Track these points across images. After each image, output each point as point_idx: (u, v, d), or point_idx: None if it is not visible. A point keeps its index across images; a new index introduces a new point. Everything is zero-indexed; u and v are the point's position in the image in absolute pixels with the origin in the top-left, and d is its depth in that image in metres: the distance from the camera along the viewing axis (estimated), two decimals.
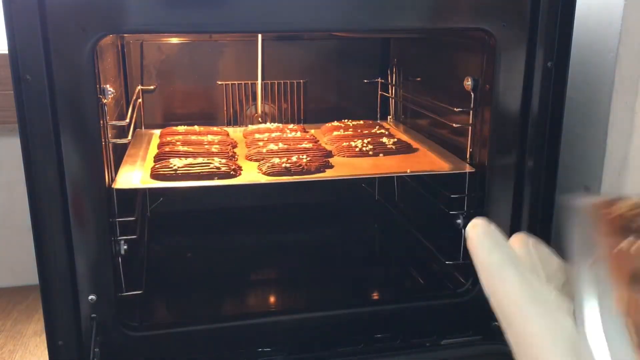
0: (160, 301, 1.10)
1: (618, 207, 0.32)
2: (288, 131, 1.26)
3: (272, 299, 1.13)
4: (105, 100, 0.88)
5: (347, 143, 1.15)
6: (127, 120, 1.05)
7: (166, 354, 0.93)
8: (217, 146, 1.14)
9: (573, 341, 0.28)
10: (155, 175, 0.97)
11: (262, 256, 1.27)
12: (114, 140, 0.94)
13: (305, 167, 1.00)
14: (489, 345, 0.97)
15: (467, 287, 1.01)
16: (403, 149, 1.14)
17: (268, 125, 1.34)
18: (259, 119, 1.42)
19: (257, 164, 1.06)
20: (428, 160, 1.09)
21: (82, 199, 0.83)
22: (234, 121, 1.41)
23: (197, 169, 0.98)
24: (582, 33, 0.99)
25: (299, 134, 1.24)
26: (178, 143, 1.14)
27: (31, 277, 0.90)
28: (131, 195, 1.12)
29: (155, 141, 1.23)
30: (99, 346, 0.86)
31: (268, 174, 1.00)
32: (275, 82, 1.41)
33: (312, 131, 1.31)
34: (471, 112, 1.01)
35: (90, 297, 0.87)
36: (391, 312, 1.01)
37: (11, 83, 0.76)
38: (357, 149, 1.12)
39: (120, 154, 1.07)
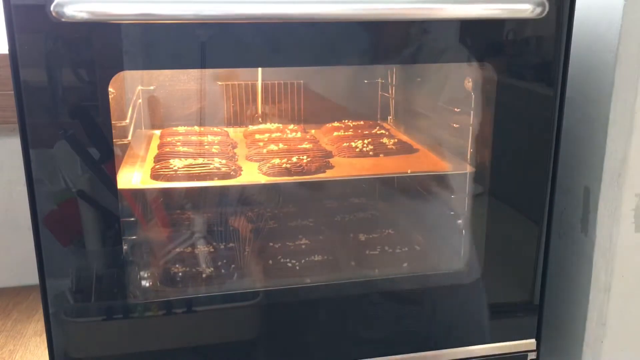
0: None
1: None
2: (288, 132, 1.26)
3: None
4: None
5: (348, 143, 1.15)
6: (127, 120, 1.05)
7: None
8: (217, 147, 1.14)
9: None
10: (155, 176, 0.97)
11: None
12: (114, 141, 0.94)
13: (306, 167, 1.00)
14: None
15: None
16: (403, 149, 1.14)
17: (268, 125, 1.34)
18: (259, 120, 1.42)
19: (257, 164, 1.06)
20: (428, 161, 1.09)
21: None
22: (234, 122, 1.41)
23: (197, 170, 0.98)
24: (582, 33, 0.99)
25: (299, 134, 1.24)
26: (178, 143, 1.14)
27: (31, 277, 0.90)
28: (131, 195, 1.12)
29: (155, 141, 1.23)
30: None
31: (268, 175, 1.00)
32: (276, 82, 1.41)
33: (313, 132, 1.31)
34: (472, 112, 1.01)
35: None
36: None
37: (11, 83, 0.76)
38: (357, 150, 1.12)
39: (120, 154, 1.07)
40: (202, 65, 0.86)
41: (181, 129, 1.28)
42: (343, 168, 1.06)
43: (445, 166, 1.05)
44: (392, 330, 0.98)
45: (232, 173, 0.99)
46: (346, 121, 1.35)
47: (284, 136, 1.22)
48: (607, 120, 0.96)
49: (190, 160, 1.01)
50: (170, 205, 1.31)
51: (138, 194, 1.15)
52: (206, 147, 1.14)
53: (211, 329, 0.93)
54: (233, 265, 1.04)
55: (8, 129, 1.28)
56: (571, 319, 1.07)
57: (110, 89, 0.90)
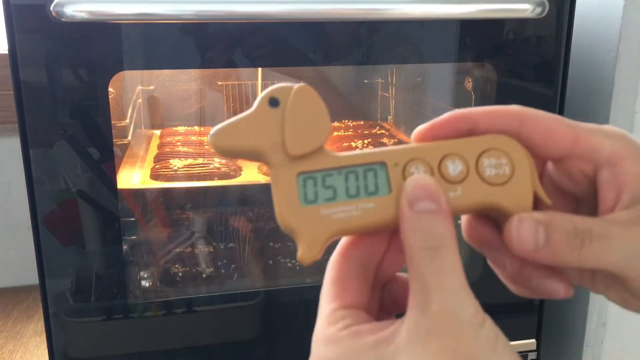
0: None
1: None
2: None
3: None
4: None
5: (348, 143, 1.15)
6: (127, 120, 1.05)
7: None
8: None
9: None
10: (155, 176, 0.97)
11: None
12: (114, 141, 0.94)
13: None
14: None
15: None
16: None
17: None
18: None
19: (257, 164, 1.06)
20: None
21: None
22: None
23: (197, 170, 0.98)
24: (582, 33, 0.99)
25: None
26: (178, 143, 1.14)
27: (31, 277, 0.90)
28: (131, 195, 1.12)
29: (155, 141, 1.23)
30: None
31: (268, 175, 1.00)
32: (276, 82, 1.41)
33: None
34: None
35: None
36: None
37: (11, 83, 0.76)
38: (357, 150, 1.12)
39: (120, 154, 1.07)
40: (202, 65, 0.86)
41: (181, 129, 1.28)
42: None
43: None
44: None
45: (232, 173, 0.99)
46: (346, 121, 1.35)
47: None
48: (607, 120, 0.96)
49: (190, 160, 1.01)
50: (170, 205, 1.31)
51: (138, 194, 1.15)
52: (206, 147, 1.14)
53: (211, 329, 0.93)
54: (233, 265, 1.04)
55: (8, 129, 1.28)
56: (571, 319, 1.07)
57: (110, 89, 0.91)
